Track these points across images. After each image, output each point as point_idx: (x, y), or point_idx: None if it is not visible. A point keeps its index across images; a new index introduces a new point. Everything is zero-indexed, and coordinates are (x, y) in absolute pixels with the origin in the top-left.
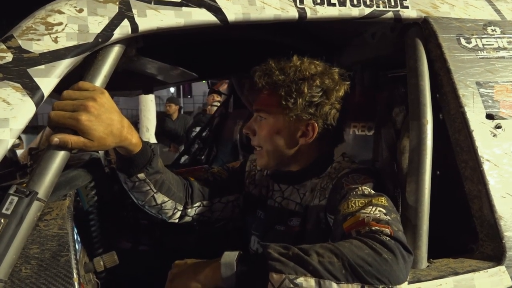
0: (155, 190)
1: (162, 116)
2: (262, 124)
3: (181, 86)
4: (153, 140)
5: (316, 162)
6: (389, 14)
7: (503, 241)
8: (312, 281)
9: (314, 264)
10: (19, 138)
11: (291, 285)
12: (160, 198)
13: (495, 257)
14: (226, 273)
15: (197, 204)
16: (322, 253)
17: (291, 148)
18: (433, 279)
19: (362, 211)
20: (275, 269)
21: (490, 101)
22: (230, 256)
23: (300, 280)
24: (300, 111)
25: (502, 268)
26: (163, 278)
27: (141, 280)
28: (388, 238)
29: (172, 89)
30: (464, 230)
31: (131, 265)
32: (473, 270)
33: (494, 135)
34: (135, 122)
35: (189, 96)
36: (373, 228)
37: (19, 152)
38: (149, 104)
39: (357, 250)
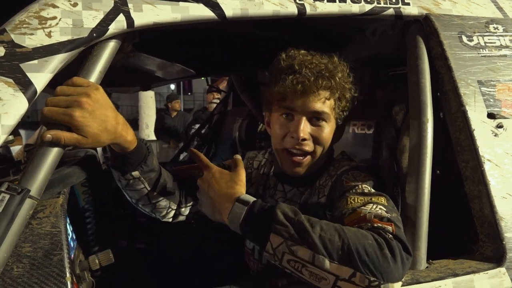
0: (149, 189)
1: (160, 113)
2: (323, 128)
3: (181, 83)
4: (152, 137)
5: (325, 163)
6: (390, 11)
7: (504, 242)
8: (307, 252)
9: (314, 237)
10: (18, 133)
11: (287, 250)
12: (154, 196)
13: (495, 258)
14: (233, 215)
15: (191, 203)
16: (326, 229)
17: (328, 150)
18: (432, 280)
19: (363, 208)
20: (276, 231)
21: (491, 100)
22: (237, 212)
23: (296, 248)
24: (347, 110)
25: (502, 269)
26: (160, 276)
27: (138, 278)
28: (391, 236)
29: (172, 86)
30: (463, 230)
31: (127, 263)
32: (473, 272)
33: (496, 135)
34: (135, 118)
35: (189, 93)
36: (375, 225)
37: (18, 148)
38: (149, 101)
39: (362, 237)
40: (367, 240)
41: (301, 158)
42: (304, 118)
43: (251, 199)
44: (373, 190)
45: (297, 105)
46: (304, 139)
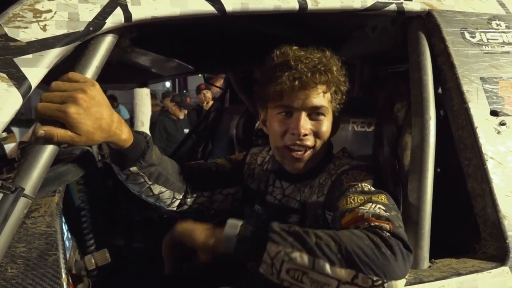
0: (150, 182)
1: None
2: (322, 122)
3: (176, 80)
4: None
5: (324, 159)
6: (392, 6)
7: (507, 241)
8: (306, 258)
9: (311, 243)
10: (10, 131)
11: (286, 258)
12: (157, 189)
13: (499, 257)
14: (228, 232)
15: (197, 194)
16: (321, 236)
17: (327, 144)
18: (435, 280)
19: (361, 207)
20: (274, 240)
21: (494, 97)
22: (237, 220)
23: (295, 254)
24: (343, 103)
25: (505, 268)
26: (157, 275)
27: (135, 277)
28: (388, 234)
29: (167, 84)
30: (466, 229)
31: (124, 262)
32: (476, 271)
33: (499, 132)
34: (131, 116)
35: (184, 91)
36: (372, 224)
37: (11, 145)
38: (144, 99)
39: (357, 239)
40: (363, 241)
41: (302, 153)
42: (303, 114)
43: (240, 221)
44: (373, 189)
45: (295, 101)
46: (305, 135)
